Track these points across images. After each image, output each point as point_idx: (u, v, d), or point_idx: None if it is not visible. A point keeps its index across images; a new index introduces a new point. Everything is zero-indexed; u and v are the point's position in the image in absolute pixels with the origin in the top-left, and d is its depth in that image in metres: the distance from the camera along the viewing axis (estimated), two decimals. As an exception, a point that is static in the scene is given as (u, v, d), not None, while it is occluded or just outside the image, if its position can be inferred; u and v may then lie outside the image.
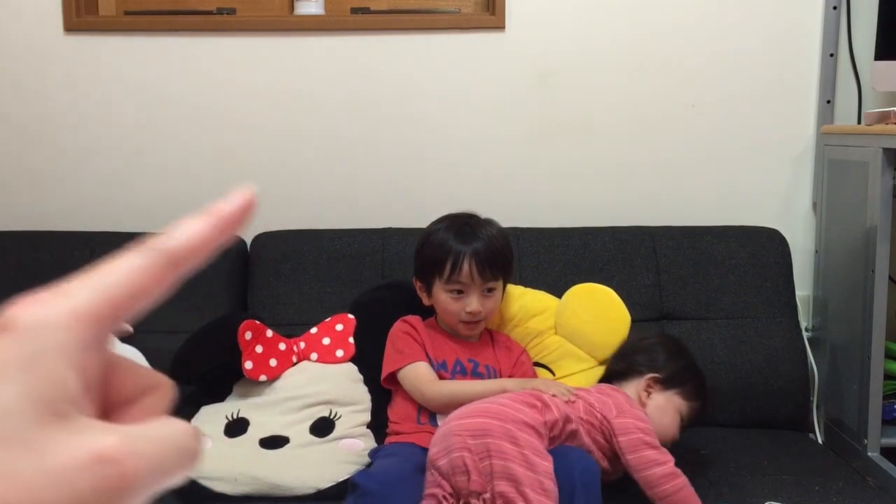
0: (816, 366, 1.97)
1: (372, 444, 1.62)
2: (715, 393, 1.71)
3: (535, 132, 2.07)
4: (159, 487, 0.25)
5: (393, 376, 1.63)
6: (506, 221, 1.77)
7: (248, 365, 1.62)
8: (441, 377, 1.61)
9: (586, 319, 1.73)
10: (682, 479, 1.41)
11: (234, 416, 1.62)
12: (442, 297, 1.63)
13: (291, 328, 1.77)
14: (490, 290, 1.63)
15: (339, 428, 1.61)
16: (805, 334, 1.93)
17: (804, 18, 2.02)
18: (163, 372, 0.29)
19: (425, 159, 2.08)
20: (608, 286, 1.77)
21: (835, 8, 2.00)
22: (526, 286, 1.82)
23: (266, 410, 1.62)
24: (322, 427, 1.61)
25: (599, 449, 1.48)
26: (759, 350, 1.84)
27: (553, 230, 1.95)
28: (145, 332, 1.84)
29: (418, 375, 1.59)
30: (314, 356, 1.70)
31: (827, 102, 2.03)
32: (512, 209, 1.98)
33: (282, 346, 1.67)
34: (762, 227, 1.97)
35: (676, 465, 1.42)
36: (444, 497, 1.36)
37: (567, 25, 2.03)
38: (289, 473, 1.52)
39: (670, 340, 1.68)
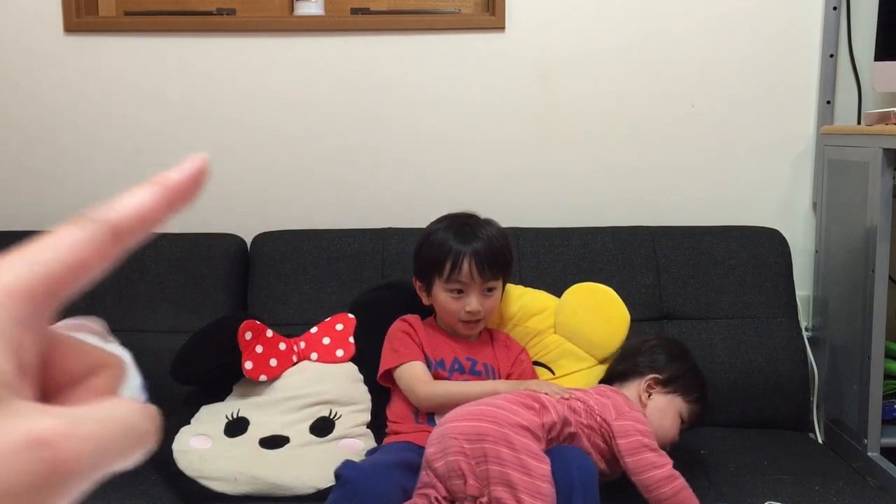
0: (816, 366, 1.97)
1: (372, 443, 1.62)
2: (715, 393, 1.71)
3: (535, 132, 2.07)
4: (106, 472, 0.23)
5: (391, 376, 1.63)
6: (506, 221, 1.77)
7: (248, 365, 1.62)
8: (439, 376, 1.61)
9: (585, 318, 1.73)
10: (681, 482, 1.41)
11: (234, 416, 1.62)
12: (441, 296, 1.63)
13: (291, 328, 1.77)
14: (490, 289, 1.63)
15: (339, 428, 1.61)
16: (805, 334, 1.93)
17: (804, 19, 2.02)
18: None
19: (425, 159, 2.08)
20: (608, 286, 1.77)
21: (835, 8, 2.00)
22: (526, 286, 1.82)
23: (266, 410, 1.62)
24: (322, 427, 1.61)
25: (598, 452, 1.48)
26: (759, 350, 1.84)
27: (553, 230, 1.95)
28: (145, 332, 1.85)
29: (412, 375, 1.60)
30: (314, 356, 1.70)
31: (827, 103, 2.03)
32: (512, 209, 1.98)
33: (282, 346, 1.67)
34: (762, 227, 1.97)
35: (676, 466, 1.42)
36: (437, 499, 1.36)
37: (567, 26, 2.03)
38: (289, 473, 1.52)
39: (672, 342, 1.68)
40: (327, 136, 2.07)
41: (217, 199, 2.04)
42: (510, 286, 1.75)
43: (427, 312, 1.71)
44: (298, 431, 1.60)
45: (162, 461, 1.57)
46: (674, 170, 2.07)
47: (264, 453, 1.56)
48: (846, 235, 1.88)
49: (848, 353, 1.87)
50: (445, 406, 1.51)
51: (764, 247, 1.92)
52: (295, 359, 1.69)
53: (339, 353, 1.71)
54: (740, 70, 2.04)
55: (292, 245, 1.93)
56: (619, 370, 1.64)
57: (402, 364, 1.61)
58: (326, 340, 1.72)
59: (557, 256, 1.91)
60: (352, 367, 1.71)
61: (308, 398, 1.63)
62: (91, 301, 1.86)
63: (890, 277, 1.78)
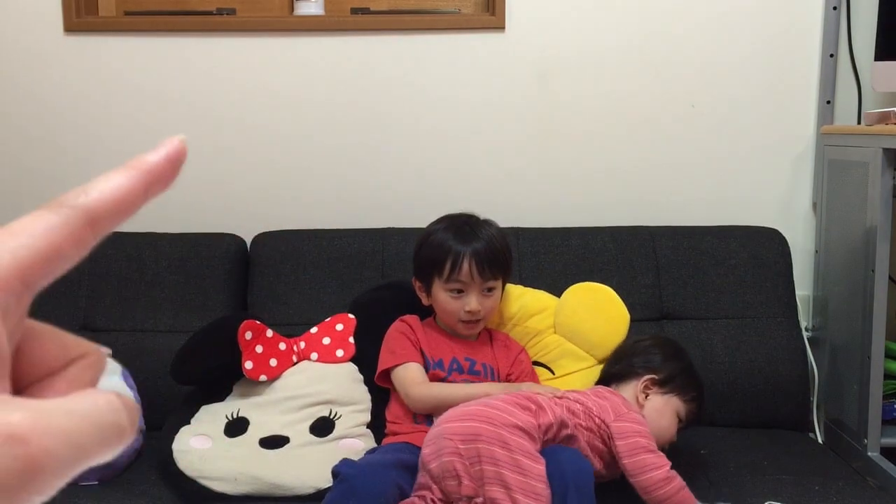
0: (816, 366, 1.97)
1: (372, 443, 1.62)
2: (714, 393, 1.71)
3: (534, 132, 2.07)
4: (81, 467, 0.22)
5: (388, 377, 1.63)
6: (506, 221, 1.77)
7: (248, 365, 1.62)
8: (437, 376, 1.61)
9: (585, 318, 1.73)
10: (679, 483, 1.40)
11: (234, 416, 1.62)
12: (441, 296, 1.63)
13: (291, 328, 1.77)
14: (489, 289, 1.63)
15: (339, 428, 1.61)
16: (805, 334, 1.93)
17: (804, 19, 2.02)
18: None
19: (425, 159, 2.08)
20: (608, 286, 1.77)
21: (835, 8, 2.00)
22: (526, 286, 1.82)
23: (266, 410, 1.62)
24: (322, 427, 1.61)
25: (597, 453, 1.48)
26: (759, 350, 1.84)
27: (553, 230, 1.95)
28: (145, 332, 1.85)
29: (407, 376, 1.60)
30: (314, 356, 1.70)
31: (827, 103, 2.03)
32: (512, 209, 1.98)
33: (282, 346, 1.67)
34: (762, 227, 1.97)
35: (676, 466, 1.42)
36: (433, 501, 1.36)
37: (567, 26, 2.03)
38: (289, 473, 1.52)
39: (666, 342, 1.67)
40: (327, 135, 2.07)
41: (217, 199, 2.04)
42: (510, 286, 1.75)
43: (427, 313, 1.71)
44: (298, 431, 1.60)
45: (162, 461, 1.57)
46: (674, 170, 2.07)
47: (264, 453, 1.56)
48: (846, 235, 1.88)
49: (848, 353, 1.87)
50: (437, 408, 1.51)
51: (764, 247, 1.92)
52: (295, 359, 1.69)
53: (339, 353, 1.71)
54: (740, 70, 2.04)
55: (292, 245, 1.93)
56: (614, 371, 1.63)
57: (398, 365, 1.61)
58: (326, 340, 1.72)
59: (557, 256, 1.90)
60: (352, 368, 1.71)
61: (308, 398, 1.63)
62: (91, 301, 1.86)
63: (890, 277, 1.78)
